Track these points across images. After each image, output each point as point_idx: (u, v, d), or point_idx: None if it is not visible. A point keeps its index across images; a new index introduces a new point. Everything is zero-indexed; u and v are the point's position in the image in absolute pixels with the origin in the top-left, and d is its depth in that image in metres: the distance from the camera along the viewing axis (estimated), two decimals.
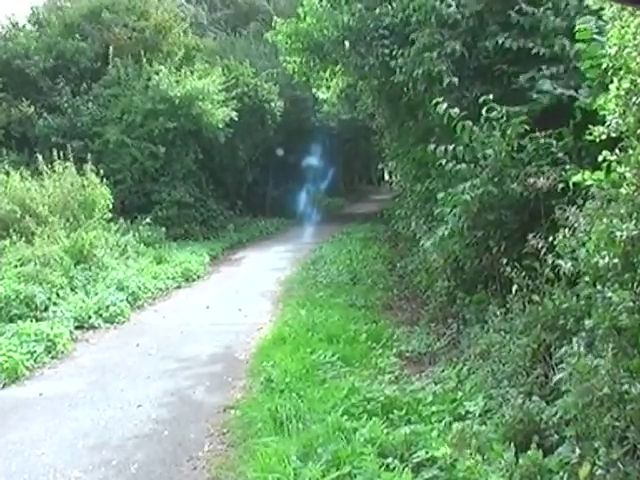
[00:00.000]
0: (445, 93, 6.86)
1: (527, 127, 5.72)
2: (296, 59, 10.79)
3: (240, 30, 25.40)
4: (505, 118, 5.75)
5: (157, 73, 16.55)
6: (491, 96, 5.83)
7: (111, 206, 12.45)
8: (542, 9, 6.48)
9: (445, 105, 6.02)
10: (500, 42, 6.59)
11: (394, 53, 7.59)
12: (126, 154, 15.81)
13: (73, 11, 17.61)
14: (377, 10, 8.19)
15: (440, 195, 6.36)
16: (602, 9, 4.41)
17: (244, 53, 21.29)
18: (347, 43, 8.41)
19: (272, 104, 19.98)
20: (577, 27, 5.13)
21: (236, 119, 17.23)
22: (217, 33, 23.65)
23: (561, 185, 5.04)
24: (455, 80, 6.77)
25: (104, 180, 12.57)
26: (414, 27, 7.55)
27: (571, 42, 5.74)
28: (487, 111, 5.82)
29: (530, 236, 4.71)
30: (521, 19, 6.57)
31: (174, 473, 4.71)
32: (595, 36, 4.94)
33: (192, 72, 16.91)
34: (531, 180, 5.34)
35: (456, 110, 5.92)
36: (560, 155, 5.55)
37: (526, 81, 6.33)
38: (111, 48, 16.48)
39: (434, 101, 6.22)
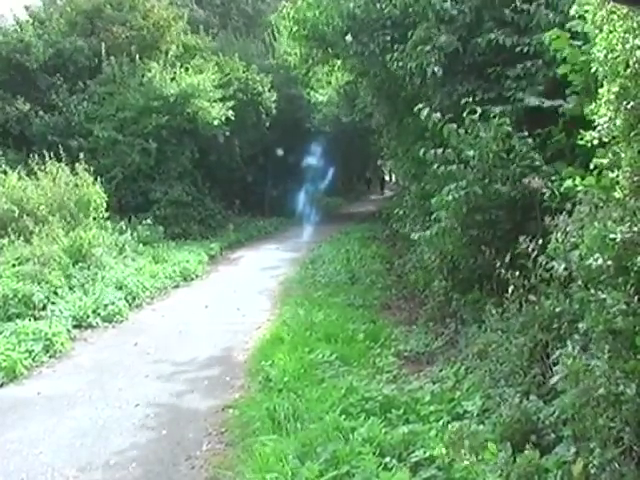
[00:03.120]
0: (437, 87, 6.91)
1: (514, 127, 5.76)
2: (297, 50, 10.83)
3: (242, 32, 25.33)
4: (491, 118, 5.80)
5: (151, 70, 16.55)
6: (481, 96, 5.90)
7: (107, 205, 12.43)
8: (535, 4, 6.52)
9: (427, 110, 6.10)
10: (493, 38, 6.63)
11: (393, 46, 7.64)
12: (119, 151, 15.78)
13: (76, 7, 17.56)
14: (378, 4, 8.25)
15: (434, 199, 6.43)
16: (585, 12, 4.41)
17: (237, 51, 21.22)
18: (349, 34, 8.47)
19: (265, 95, 19.91)
20: (548, 35, 5.18)
21: (232, 117, 17.21)
22: (214, 32, 23.55)
23: (550, 189, 5.07)
24: (438, 70, 6.82)
25: (98, 178, 12.55)
26: (412, 22, 7.60)
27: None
28: (468, 113, 5.88)
29: (521, 239, 4.71)
30: (516, 17, 6.60)
31: (172, 472, 4.72)
32: (572, 42, 4.97)
33: (187, 69, 16.91)
34: (526, 180, 5.36)
35: (438, 115, 5.98)
36: (550, 154, 5.58)
37: (513, 79, 6.38)
38: (103, 45, 16.45)
39: (416, 108, 6.30)
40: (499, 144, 5.72)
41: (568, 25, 5.16)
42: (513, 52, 6.57)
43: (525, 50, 6.39)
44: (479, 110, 5.82)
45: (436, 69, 6.81)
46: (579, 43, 4.96)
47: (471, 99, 6.02)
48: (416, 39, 7.19)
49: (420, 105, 6.22)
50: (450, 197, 5.82)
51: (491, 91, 6.41)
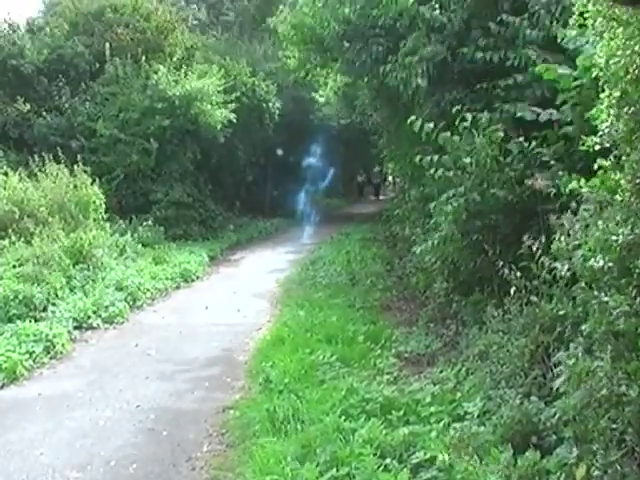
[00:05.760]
0: (428, 96, 6.96)
1: (506, 134, 5.77)
2: (296, 53, 10.86)
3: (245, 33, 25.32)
4: (484, 124, 5.81)
5: (156, 72, 16.56)
6: (469, 105, 5.93)
7: (107, 206, 12.43)
8: (519, 19, 6.55)
9: (419, 122, 6.18)
10: (480, 57, 6.69)
11: (387, 56, 7.68)
12: (119, 150, 15.77)
13: (78, 10, 17.57)
14: (374, 11, 8.25)
15: (432, 205, 6.44)
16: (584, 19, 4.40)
17: (243, 53, 21.25)
18: (345, 40, 8.47)
19: (270, 103, 19.96)
20: (538, 69, 5.27)
21: (235, 120, 17.22)
22: (217, 34, 23.54)
23: (554, 189, 5.07)
24: (422, 81, 6.86)
25: (99, 178, 12.57)
26: (404, 31, 7.64)
27: (542, 52, 5.89)
28: (461, 121, 5.90)
29: (525, 237, 4.72)
30: (502, 30, 6.64)
31: (173, 473, 4.71)
32: (560, 70, 5.05)
33: (192, 72, 16.91)
34: (529, 181, 5.35)
35: (431, 125, 6.05)
36: (548, 159, 5.57)
37: (503, 89, 6.42)
38: (107, 46, 16.46)
39: (409, 120, 6.37)
40: (494, 149, 5.73)
41: (565, 41, 5.21)
42: (501, 64, 6.60)
43: (515, 64, 6.42)
44: (469, 117, 5.86)
45: (420, 81, 6.86)
46: (568, 72, 5.03)
47: (460, 107, 6.08)
48: (406, 49, 7.24)
49: (412, 117, 6.31)
50: (449, 207, 5.84)
51: (479, 101, 6.47)
